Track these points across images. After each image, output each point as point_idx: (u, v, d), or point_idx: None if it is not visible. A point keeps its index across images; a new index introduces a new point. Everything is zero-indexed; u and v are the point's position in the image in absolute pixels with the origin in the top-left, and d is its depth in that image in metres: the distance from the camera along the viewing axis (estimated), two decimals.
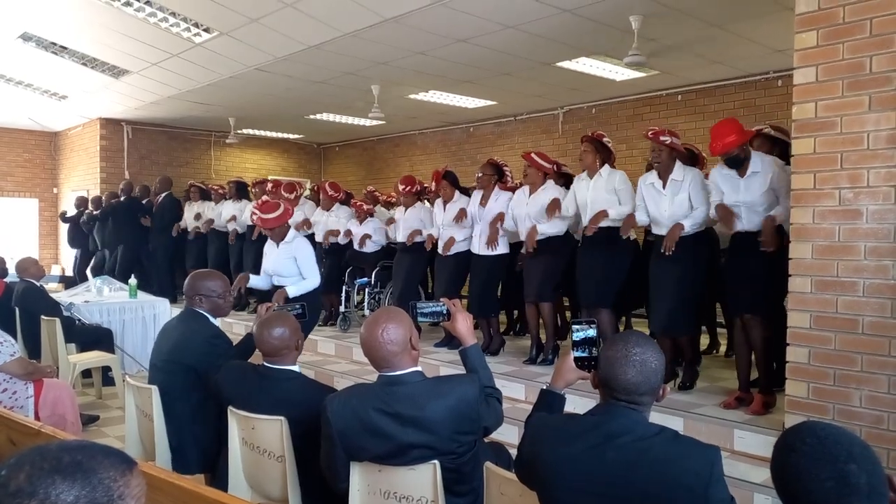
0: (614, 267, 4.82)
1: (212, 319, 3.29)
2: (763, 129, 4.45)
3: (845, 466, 1.27)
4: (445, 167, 6.20)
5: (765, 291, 3.94)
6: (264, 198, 6.99)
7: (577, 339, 2.07)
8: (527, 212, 5.25)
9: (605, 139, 4.95)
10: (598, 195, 4.81)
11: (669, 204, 4.37)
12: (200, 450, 3.08)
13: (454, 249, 5.89)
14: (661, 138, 4.37)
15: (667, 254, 4.26)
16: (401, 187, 6.58)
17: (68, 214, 10.75)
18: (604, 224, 4.78)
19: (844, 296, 3.37)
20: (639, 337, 1.75)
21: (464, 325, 2.46)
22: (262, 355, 2.78)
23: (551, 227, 5.15)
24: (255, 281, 4.89)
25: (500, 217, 5.46)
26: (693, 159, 4.92)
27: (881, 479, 1.30)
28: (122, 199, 9.60)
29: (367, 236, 7.10)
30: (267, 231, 4.86)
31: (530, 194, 5.33)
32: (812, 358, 3.48)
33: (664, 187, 4.41)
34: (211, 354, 3.08)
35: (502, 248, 5.65)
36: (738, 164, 4.00)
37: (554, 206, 5.02)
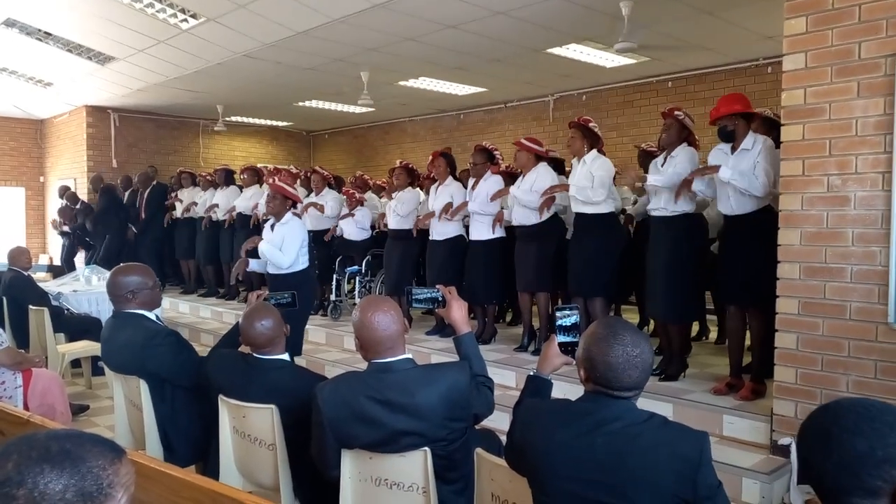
0: (606, 254, 4.83)
1: (147, 314, 3.10)
2: (763, 112, 4.46)
3: (838, 430, 1.23)
4: (446, 148, 6.20)
5: (762, 279, 3.94)
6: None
7: (562, 324, 2.07)
8: (515, 193, 5.24)
9: (591, 124, 4.94)
10: (581, 181, 4.82)
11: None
12: (189, 443, 3.05)
13: (446, 234, 5.87)
14: (676, 113, 4.44)
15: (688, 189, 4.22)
16: (397, 163, 6.63)
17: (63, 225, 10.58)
18: (594, 210, 4.80)
19: (832, 282, 3.39)
20: (632, 334, 1.69)
21: (459, 312, 2.45)
22: (249, 346, 2.77)
23: (525, 196, 5.13)
24: (254, 264, 4.90)
25: (499, 217, 5.46)
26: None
27: (871, 462, 1.21)
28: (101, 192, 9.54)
29: (350, 215, 7.09)
30: (270, 200, 4.89)
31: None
32: (800, 344, 3.50)
33: (663, 164, 4.45)
34: (157, 357, 2.96)
35: (498, 232, 5.64)
36: (726, 136, 4.03)
37: (545, 204, 5.02)
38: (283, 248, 4.70)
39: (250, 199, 7.88)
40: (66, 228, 9.95)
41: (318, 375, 2.75)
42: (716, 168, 3.96)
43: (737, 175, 3.90)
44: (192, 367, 3.02)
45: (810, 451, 1.26)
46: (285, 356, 2.79)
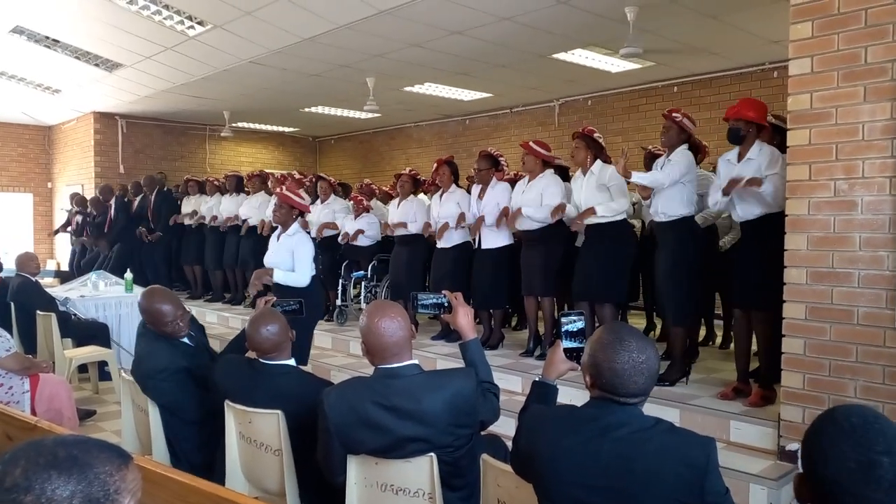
0: (617, 261, 4.79)
1: (170, 341, 3.07)
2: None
3: (877, 456, 1.23)
4: (449, 157, 6.20)
5: (768, 283, 3.93)
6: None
7: (568, 330, 2.07)
8: (521, 200, 5.23)
9: (595, 134, 4.90)
10: (590, 193, 4.81)
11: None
12: (191, 464, 3.00)
13: (453, 241, 5.87)
14: (674, 115, 4.43)
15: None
16: (405, 170, 6.64)
17: (58, 227, 10.63)
18: (600, 220, 4.78)
19: (839, 287, 3.38)
20: (638, 340, 1.69)
21: (465, 318, 2.44)
22: (255, 352, 2.78)
23: (537, 213, 5.12)
24: (277, 276, 4.88)
25: (504, 213, 5.40)
26: (695, 150, 4.92)
27: None
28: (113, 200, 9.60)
29: (360, 231, 7.09)
30: (277, 209, 4.84)
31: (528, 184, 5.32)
32: (807, 349, 3.49)
33: (662, 168, 4.45)
34: (160, 391, 2.97)
35: (506, 240, 5.64)
36: (735, 137, 4.02)
37: (558, 210, 5.01)
38: (295, 266, 4.63)
39: (258, 208, 7.90)
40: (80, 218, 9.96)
41: (323, 381, 2.75)
42: (758, 181, 3.85)
43: (769, 187, 3.85)
44: (196, 403, 2.99)
45: (853, 484, 1.23)
46: (291, 361, 2.79)
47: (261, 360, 2.73)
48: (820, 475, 1.28)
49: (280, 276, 4.57)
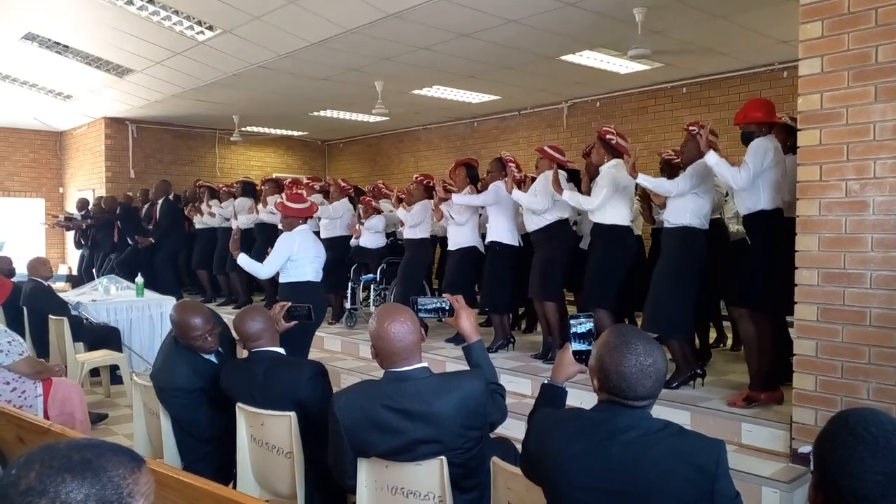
0: (609, 266, 4.75)
1: (193, 357, 3.03)
2: (780, 119, 4.43)
3: None
4: (470, 159, 6.19)
5: (753, 282, 3.92)
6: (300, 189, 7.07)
7: (576, 332, 2.07)
8: (517, 197, 5.23)
9: (607, 136, 4.83)
10: (595, 192, 4.80)
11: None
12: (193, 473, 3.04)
13: (460, 244, 5.87)
14: (690, 128, 4.37)
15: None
16: (416, 177, 6.68)
17: (64, 219, 10.72)
18: (599, 222, 4.78)
19: (851, 288, 3.35)
20: (645, 343, 1.68)
21: (467, 321, 2.46)
22: (244, 342, 2.90)
23: (524, 196, 5.13)
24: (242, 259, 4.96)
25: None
26: None
27: None
28: (118, 210, 9.68)
29: (359, 230, 7.11)
30: (282, 220, 5.01)
31: None
32: (819, 350, 3.46)
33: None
34: (171, 405, 2.99)
35: (496, 237, 5.61)
36: (747, 140, 4.03)
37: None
38: (268, 257, 4.77)
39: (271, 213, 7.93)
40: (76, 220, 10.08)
41: (309, 361, 2.88)
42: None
43: (722, 165, 3.91)
44: (207, 422, 3.00)
45: (883, 497, 1.20)
46: (281, 350, 2.91)
47: (251, 350, 2.86)
48: (844, 490, 1.24)
49: (242, 261, 4.81)
